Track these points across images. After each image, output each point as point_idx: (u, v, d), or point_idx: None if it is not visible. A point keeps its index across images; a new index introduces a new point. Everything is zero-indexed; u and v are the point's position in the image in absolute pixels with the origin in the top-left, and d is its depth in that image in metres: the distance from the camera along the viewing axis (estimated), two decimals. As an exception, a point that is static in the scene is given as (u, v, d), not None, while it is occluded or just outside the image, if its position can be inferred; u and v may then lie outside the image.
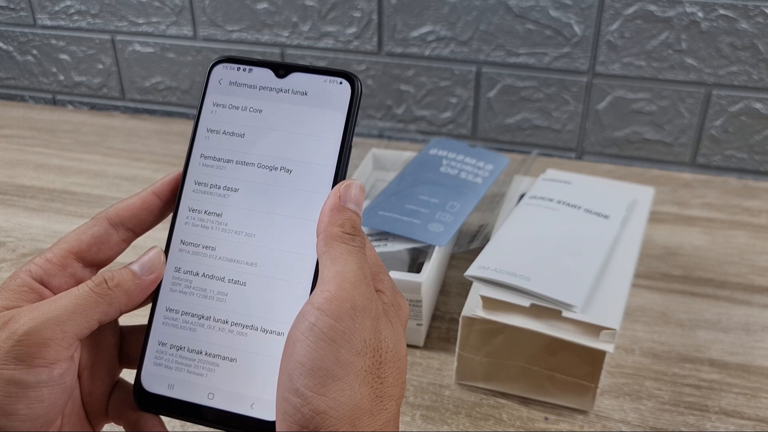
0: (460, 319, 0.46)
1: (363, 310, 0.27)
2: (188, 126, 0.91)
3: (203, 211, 0.32)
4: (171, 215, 0.33)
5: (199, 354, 0.31)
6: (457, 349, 0.48)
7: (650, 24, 0.75)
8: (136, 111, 0.98)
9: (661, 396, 0.49)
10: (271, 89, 0.32)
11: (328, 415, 0.25)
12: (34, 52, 0.97)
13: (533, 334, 0.44)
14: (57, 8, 0.93)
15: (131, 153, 0.84)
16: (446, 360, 0.52)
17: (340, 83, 0.32)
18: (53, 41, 0.95)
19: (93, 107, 0.99)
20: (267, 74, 0.33)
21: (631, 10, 0.74)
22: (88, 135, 0.89)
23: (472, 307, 0.46)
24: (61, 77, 0.98)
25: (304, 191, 0.31)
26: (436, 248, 0.53)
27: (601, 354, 0.44)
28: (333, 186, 0.31)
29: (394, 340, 0.28)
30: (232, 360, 0.31)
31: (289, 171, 0.31)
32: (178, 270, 0.32)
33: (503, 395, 0.49)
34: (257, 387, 0.30)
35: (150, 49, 0.92)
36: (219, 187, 0.32)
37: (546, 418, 0.47)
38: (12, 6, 0.94)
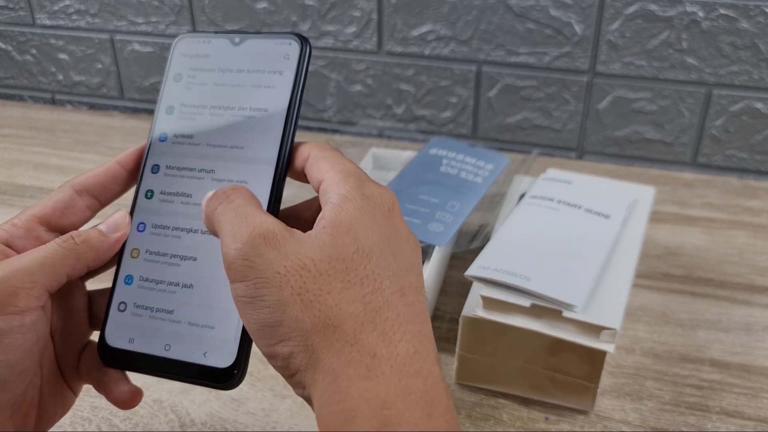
0: (461, 319, 0.46)
1: (255, 254, 0.26)
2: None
3: (167, 166, 0.35)
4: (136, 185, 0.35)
5: (157, 309, 0.33)
6: (457, 349, 0.48)
7: (651, 23, 0.75)
8: (135, 110, 0.97)
9: (661, 396, 0.48)
10: (228, 57, 0.35)
11: (294, 355, 0.25)
12: (33, 51, 0.97)
13: (533, 334, 0.44)
14: (56, 8, 0.92)
15: (130, 153, 0.84)
16: (446, 360, 0.51)
17: (290, 44, 0.34)
18: (52, 41, 0.95)
19: (92, 107, 0.99)
20: (225, 43, 0.35)
21: (631, 9, 0.74)
22: (87, 134, 0.89)
23: (473, 307, 0.46)
24: (60, 77, 0.98)
25: (256, 137, 0.33)
26: (436, 248, 0.53)
27: (602, 354, 0.44)
28: (283, 131, 0.33)
29: (319, 248, 0.26)
30: (186, 311, 0.32)
31: (244, 118, 0.34)
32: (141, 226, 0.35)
33: (503, 395, 0.48)
34: (210, 336, 0.32)
35: (149, 49, 0.92)
36: (180, 138, 0.35)
37: (546, 419, 0.47)
38: (11, 5, 0.94)
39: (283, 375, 0.27)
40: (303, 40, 0.34)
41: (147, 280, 0.33)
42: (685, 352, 0.52)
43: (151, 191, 0.34)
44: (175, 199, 0.34)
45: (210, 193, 0.30)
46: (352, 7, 0.82)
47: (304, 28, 0.85)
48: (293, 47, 0.34)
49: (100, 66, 0.95)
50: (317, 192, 0.30)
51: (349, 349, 0.24)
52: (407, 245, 0.29)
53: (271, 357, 0.26)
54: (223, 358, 0.31)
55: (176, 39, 0.36)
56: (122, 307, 0.33)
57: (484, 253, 0.49)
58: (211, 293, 0.32)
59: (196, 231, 0.33)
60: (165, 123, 0.35)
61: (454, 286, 0.60)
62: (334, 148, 0.31)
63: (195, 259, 0.33)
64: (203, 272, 0.33)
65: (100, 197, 0.34)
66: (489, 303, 0.45)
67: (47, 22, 0.94)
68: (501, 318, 0.45)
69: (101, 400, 0.34)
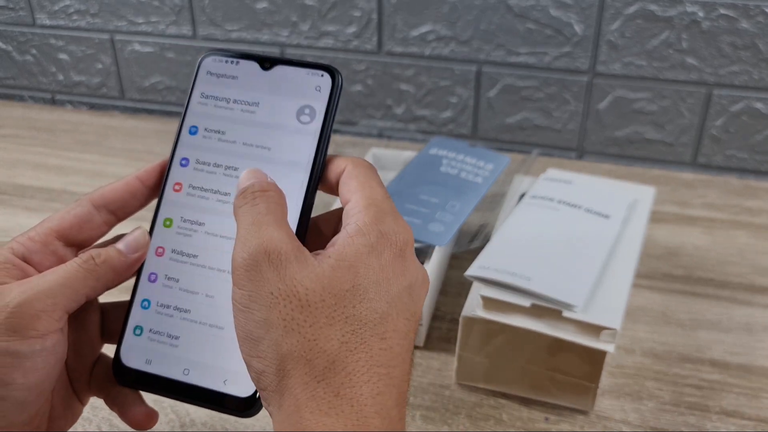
0: (461, 319, 0.46)
1: (256, 268, 0.26)
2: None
3: (190, 185, 0.34)
4: (155, 201, 0.35)
5: (175, 336, 0.32)
6: (457, 350, 0.48)
7: (651, 23, 0.75)
8: (136, 111, 0.97)
9: (661, 396, 0.48)
10: (256, 80, 0.34)
11: (266, 373, 0.26)
12: (33, 51, 0.97)
13: (534, 334, 0.44)
14: (56, 8, 0.92)
15: (130, 153, 0.84)
16: (446, 360, 0.51)
17: (322, 76, 0.33)
18: (52, 41, 0.95)
19: (92, 107, 0.99)
20: (253, 66, 0.34)
21: (631, 9, 0.74)
22: (87, 135, 0.89)
23: (473, 307, 0.46)
24: (60, 77, 0.98)
25: (283, 172, 0.33)
26: (436, 248, 0.53)
27: (602, 354, 0.44)
28: (312, 168, 0.32)
29: (317, 278, 0.26)
30: (207, 338, 0.32)
31: (269, 160, 0.33)
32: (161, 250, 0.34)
33: (504, 395, 0.48)
34: (231, 364, 0.31)
35: (149, 49, 0.92)
36: (203, 162, 0.34)
37: (546, 419, 0.47)
38: (11, 5, 0.94)
39: (254, 384, 0.27)
40: (335, 73, 0.33)
41: (165, 306, 0.33)
42: (685, 353, 0.52)
43: (171, 219, 0.34)
44: (198, 228, 0.33)
45: (245, 183, 0.30)
46: (352, 7, 0.82)
47: (304, 28, 0.85)
48: (325, 80, 0.33)
49: (100, 66, 0.95)
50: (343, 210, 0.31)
51: (315, 384, 0.25)
52: (411, 286, 0.29)
53: (247, 365, 0.27)
54: (243, 387, 0.31)
55: (202, 56, 0.35)
56: (138, 331, 0.33)
57: (484, 253, 0.49)
58: (233, 329, 0.32)
59: (213, 269, 0.32)
60: (188, 144, 0.34)
61: (454, 286, 0.60)
62: (369, 166, 0.31)
63: (213, 297, 0.32)
64: (225, 307, 0.31)
65: (118, 212, 0.34)
66: (489, 303, 0.45)
67: (47, 22, 0.94)
68: (501, 318, 0.45)
69: (101, 401, 0.34)
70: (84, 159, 0.82)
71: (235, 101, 0.34)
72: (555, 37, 0.78)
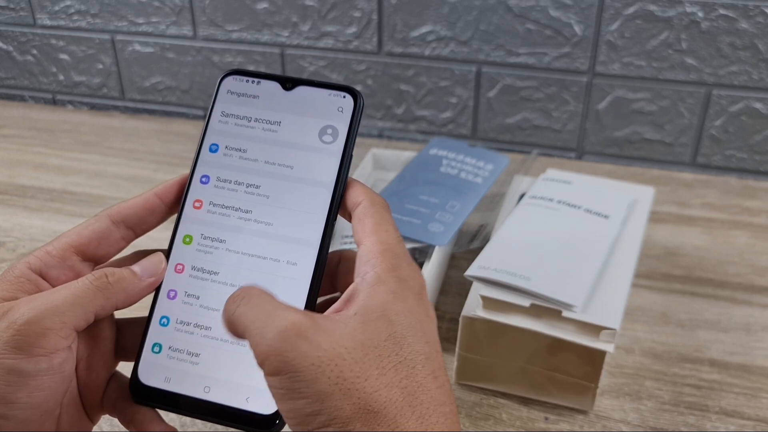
0: (460, 319, 0.46)
1: (287, 348, 0.25)
2: (188, 126, 0.91)
3: (212, 203, 0.33)
4: (173, 216, 0.34)
5: (195, 354, 0.32)
6: (457, 349, 0.48)
7: (650, 24, 0.75)
8: (136, 111, 0.98)
9: (661, 396, 0.48)
10: (278, 101, 0.34)
11: None
12: (34, 51, 0.97)
13: (533, 334, 0.44)
14: (57, 8, 0.93)
15: (131, 153, 0.84)
16: (446, 360, 0.51)
17: (344, 97, 0.33)
18: (53, 41, 0.95)
19: (93, 107, 0.99)
20: (274, 87, 0.34)
21: (631, 9, 0.74)
22: (88, 135, 0.89)
23: (472, 307, 0.46)
24: (61, 77, 0.98)
25: (306, 191, 0.33)
26: (436, 248, 0.53)
27: (601, 354, 0.44)
28: (335, 188, 0.32)
29: (351, 335, 0.26)
30: (229, 355, 0.31)
31: (291, 179, 0.33)
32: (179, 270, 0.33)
33: (503, 395, 0.49)
34: (252, 381, 0.31)
35: (150, 49, 0.92)
36: (224, 180, 0.34)
37: (546, 418, 0.47)
38: (12, 6, 0.94)
39: None
40: (357, 94, 0.33)
41: (185, 323, 0.32)
42: (684, 352, 0.52)
43: (191, 236, 0.33)
44: (219, 245, 0.33)
45: (228, 299, 0.29)
46: (352, 7, 0.82)
47: (304, 28, 0.85)
48: (347, 101, 0.33)
49: (100, 66, 0.95)
50: (357, 246, 0.30)
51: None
52: (434, 326, 0.29)
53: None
54: (266, 403, 0.30)
55: (223, 75, 0.35)
56: (156, 349, 0.32)
57: (484, 253, 0.49)
58: None
59: (235, 285, 0.32)
60: (208, 162, 0.34)
61: (454, 286, 0.60)
62: (384, 206, 0.31)
63: None
64: None
65: (136, 229, 0.33)
66: (489, 303, 0.45)
67: (48, 23, 0.94)
68: (501, 318, 0.45)
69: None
70: (84, 159, 0.82)
71: (256, 120, 0.34)
72: (554, 37, 0.78)
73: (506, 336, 0.46)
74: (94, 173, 0.79)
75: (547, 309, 0.44)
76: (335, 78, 0.87)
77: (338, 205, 0.32)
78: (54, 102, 1.01)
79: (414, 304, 0.28)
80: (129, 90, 0.96)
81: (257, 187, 0.33)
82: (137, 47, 0.92)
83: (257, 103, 0.34)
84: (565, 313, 0.43)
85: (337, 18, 0.83)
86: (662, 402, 0.48)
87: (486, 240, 0.55)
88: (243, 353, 0.31)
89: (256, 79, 0.34)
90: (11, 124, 0.92)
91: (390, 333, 0.27)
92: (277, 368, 0.25)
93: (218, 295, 0.32)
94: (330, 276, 0.34)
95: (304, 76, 0.88)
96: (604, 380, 0.50)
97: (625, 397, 0.48)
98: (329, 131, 0.33)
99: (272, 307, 0.27)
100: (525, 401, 0.48)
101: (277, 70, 0.89)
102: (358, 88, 0.86)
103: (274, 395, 0.26)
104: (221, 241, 0.33)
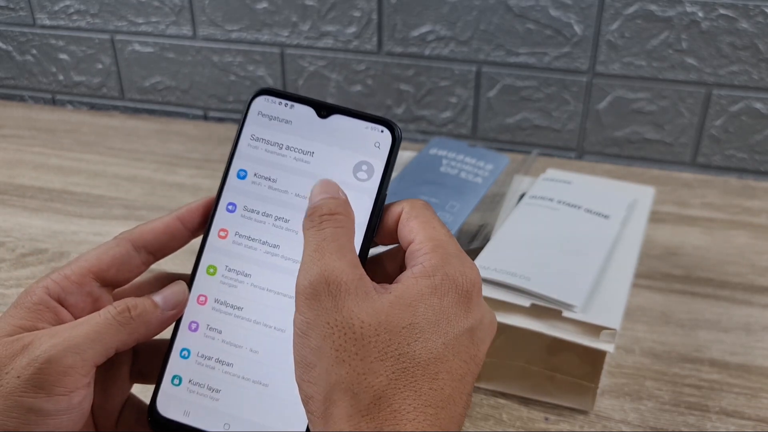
0: (460, 319, 0.46)
1: (315, 297, 0.27)
2: (188, 126, 0.91)
3: (238, 234, 0.32)
4: (194, 241, 0.33)
5: (216, 390, 0.31)
6: (457, 349, 0.48)
7: (650, 24, 0.75)
8: (136, 111, 0.98)
9: (661, 396, 0.48)
10: (311, 128, 0.32)
11: (314, 399, 0.26)
12: (34, 51, 0.97)
13: (533, 334, 0.44)
14: (56, 8, 0.92)
15: (131, 153, 0.84)
16: (446, 360, 0.51)
17: (381, 131, 0.32)
18: (52, 41, 0.95)
19: (92, 107, 0.99)
20: (308, 112, 0.32)
21: (631, 9, 0.74)
22: (88, 135, 0.89)
23: (472, 307, 0.46)
24: (61, 77, 0.98)
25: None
26: (436, 248, 0.52)
27: (602, 354, 0.44)
28: (366, 228, 0.31)
29: (374, 312, 0.26)
30: (250, 394, 0.31)
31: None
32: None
33: (503, 395, 0.48)
34: (274, 423, 0.30)
35: (149, 49, 0.92)
36: (252, 210, 0.32)
37: (546, 419, 0.47)
38: (11, 6, 0.94)
39: (303, 406, 0.27)
40: (395, 129, 0.32)
41: (207, 357, 0.31)
42: (684, 352, 0.52)
43: (215, 267, 0.32)
44: (244, 279, 0.32)
45: (316, 199, 0.29)
46: (352, 7, 0.82)
47: (304, 28, 0.85)
48: (385, 136, 0.32)
49: (100, 66, 0.95)
50: (405, 251, 0.30)
51: (359, 418, 0.25)
52: (473, 329, 0.28)
53: (299, 388, 0.27)
54: None
55: (254, 94, 0.33)
56: (176, 381, 0.31)
57: (484, 253, 0.49)
58: (280, 391, 0.30)
59: (259, 323, 0.31)
60: (236, 189, 0.32)
61: (454, 286, 0.60)
62: (427, 206, 0.31)
63: (257, 352, 0.31)
64: (270, 363, 0.31)
65: (157, 254, 0.33)
66: (489, 303, 0.45)
67: (48, 23, 0.94)
68: (501, 318, 0.45)
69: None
70: (84, 159, 0.82)
71: (288, 147, 0.32)
72: (554, 37, 0.78)
73: (506, 336, 0.46)
74: (93, 173, 0.79)
75: (548, 309, 0.44)
76: (335, 78, 0.87)
77: (369, 245, 0.31)
78: (54, 102, 1.01)
79: (450, 303, 0.28)
80: (129, 90, 0.96)
81: (286, 221, 0.32)
82: (137, 47, 0.92)
83: (290, 129, 0.32)
84: (566, 313, 0.43)
85: (336, 18, 0.83)
86: (662, 402, 0.48)
87: (486, 240, 0.55)
88: (265, 393, 0.31)
89: (289, 102, 0.32)
90: (11, 124, 0.92)
91: (411, 322, 0.27)
92: (302, 309, 0.27)
93: (241, 332, 0.31)
94: None
95: (304, 76, 0.88)
96: (605, 380, 0.49)
97: (625, 397, 0.48)
98: (364, 167, 0.32)
99: (331, 250, 0.28)
100: (525, 401, 0.48)
101: (276, 70, 0.89)
102: (358, 88, 0.87)
103: (294, 330, 0.27)
104: (246, 275, 0.32)
